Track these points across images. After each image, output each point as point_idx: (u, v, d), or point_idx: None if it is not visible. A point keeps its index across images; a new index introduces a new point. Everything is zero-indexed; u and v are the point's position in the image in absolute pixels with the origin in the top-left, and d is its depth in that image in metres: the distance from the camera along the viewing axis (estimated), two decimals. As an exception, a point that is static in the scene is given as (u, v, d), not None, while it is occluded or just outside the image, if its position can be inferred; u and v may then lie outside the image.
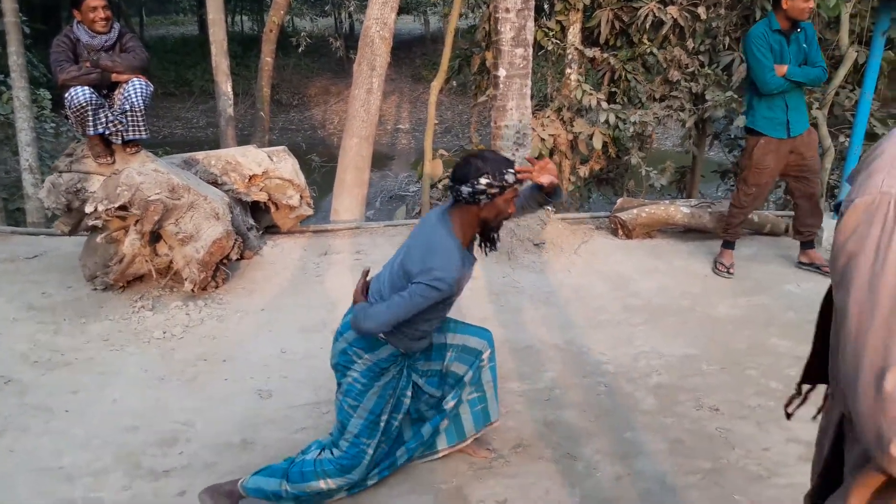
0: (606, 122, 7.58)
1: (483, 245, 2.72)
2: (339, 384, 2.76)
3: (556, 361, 3.90)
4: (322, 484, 2.68)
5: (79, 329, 4.27)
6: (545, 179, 2.66)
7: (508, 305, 4.57)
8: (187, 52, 23.23)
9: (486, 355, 2.95)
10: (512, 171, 2.53)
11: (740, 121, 7.56)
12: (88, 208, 4.42)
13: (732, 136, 9.35)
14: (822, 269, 5.00)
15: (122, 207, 4.38)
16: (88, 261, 4.78)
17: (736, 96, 7.47)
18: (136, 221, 4.47)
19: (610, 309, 4.57)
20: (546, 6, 8.25)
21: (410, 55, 23.86)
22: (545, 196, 2.74)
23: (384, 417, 2.73)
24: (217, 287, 4.78)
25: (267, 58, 9.51)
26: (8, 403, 3.49)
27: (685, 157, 9.78)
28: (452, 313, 2.95)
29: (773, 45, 4.59)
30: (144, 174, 4.48)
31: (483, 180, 2.48)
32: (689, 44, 7.79)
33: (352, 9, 15.89)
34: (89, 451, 3.14)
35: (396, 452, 2.90)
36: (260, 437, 3.23)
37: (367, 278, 2.75)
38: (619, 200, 6.06)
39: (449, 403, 2.92)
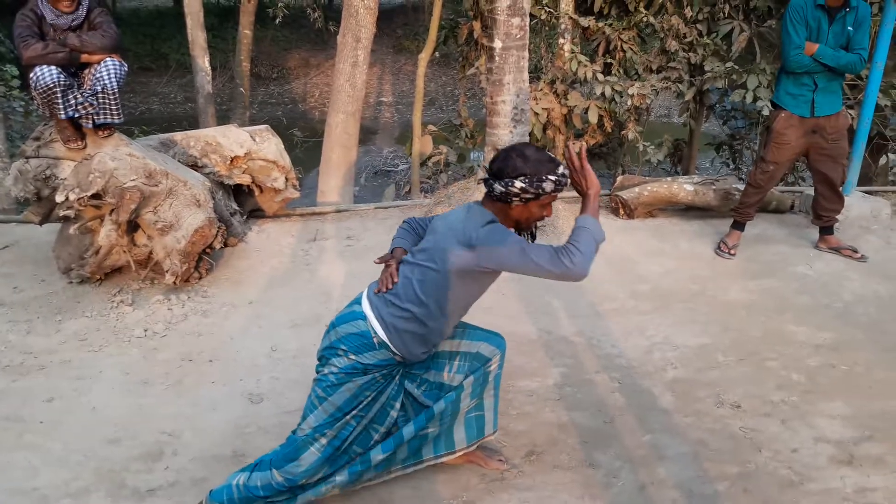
0: (602, 94, 7.31)
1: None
2: (316, 372, 2.49)
3: (566, 356, 3.69)
4: (270, 477, 2.43)
5: (53, 328, 3.99)
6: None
7: (510, 294, 4.33)
8: (163, 25, 22.43)
9: (494, 361, 2.68)
10: (553, 177, 2.30)
11: (735, 95, 7.32)
12: (59, 197, 4.11)
13: (728, 108, 9.13)
14: (843, 252, 4.75)
15: (96, 196, 4.07)
16: (62, 252, 4.48)
17: (736, 67, 7.21)
18: (111, 210, 4.17)
19: (617, 296, 4.35)
20: (536, -27, 7.91)
21: (392, 25, 23.23)
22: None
23: (353, 413, 2.42)
24: (200, 278, 4.50)
25: (245, 30, 9.11)
26: (-23, 414, 3.22)
27: (679, 129, 9.56)
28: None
29: (809, 20, 4.30)
30: (118, 159, 4.16)
31: (518, 183, 2.28)
32: (687, 12, 7.51)
33: (331, -22, 15.40)
34: (67, 468, 2.88)
35: (371, 454, 2.56)
36: (252, 449, 2.98)
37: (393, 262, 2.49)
38: (619, 178, 5.81)
39: (440, 406, 2.59)
